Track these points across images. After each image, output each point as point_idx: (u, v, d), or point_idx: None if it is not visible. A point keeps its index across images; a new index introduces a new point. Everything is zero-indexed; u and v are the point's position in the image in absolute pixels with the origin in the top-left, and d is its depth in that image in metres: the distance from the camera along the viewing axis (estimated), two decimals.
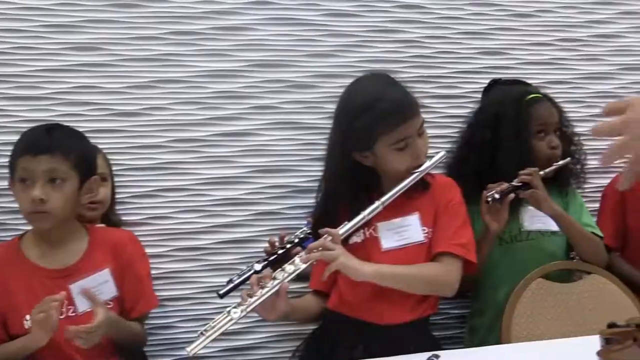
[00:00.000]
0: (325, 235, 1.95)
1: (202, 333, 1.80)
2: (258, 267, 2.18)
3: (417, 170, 2.07)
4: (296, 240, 2.29)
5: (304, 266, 1.91)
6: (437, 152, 2.16)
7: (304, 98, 2.76)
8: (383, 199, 2.02)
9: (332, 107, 2.59)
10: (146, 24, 2.67)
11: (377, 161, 2.09)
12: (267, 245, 2.35)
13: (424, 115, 2.74)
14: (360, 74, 2.42)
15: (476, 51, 2.99)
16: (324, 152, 2.28)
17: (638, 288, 2.55)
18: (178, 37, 2.70)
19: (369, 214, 2.01)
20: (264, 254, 2.36)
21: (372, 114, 2.00)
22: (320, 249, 1.92)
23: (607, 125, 1.31)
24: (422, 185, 2.15)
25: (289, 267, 1.90)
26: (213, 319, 1.87)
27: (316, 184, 2.35)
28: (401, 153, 2.05)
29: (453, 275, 2.07)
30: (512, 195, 2.24)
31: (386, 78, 2.18)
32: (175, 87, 2.68)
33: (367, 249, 2.05)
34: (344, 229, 1.98)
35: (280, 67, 2.77)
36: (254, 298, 1.84)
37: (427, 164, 2.09)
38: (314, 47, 2.81)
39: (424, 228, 2.11)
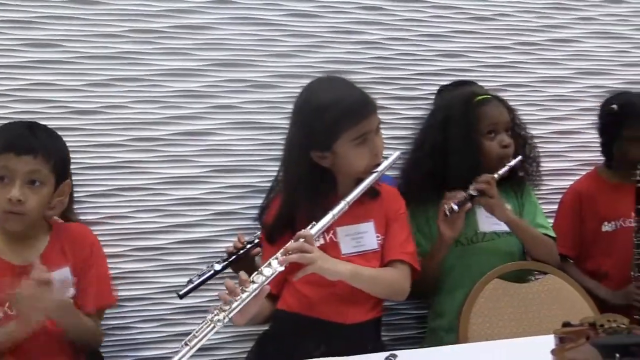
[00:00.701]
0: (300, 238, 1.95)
1: (186, 343, 1.76)
2: (218, 267, 2.18)
3: (375, 170, 2.09)
4: (256, 241, 2.28)
5: (281, 268, 1.90)
6: (392, 153, 2.18)
7: (264, 98, 2.75)
8: (348, 198, 2.04)
9: (291, 107, 2.60)
10: (106, 21, 2.64)
11: (336, 161, 2.10)
12: (229, 245, 2.33)
13: (384, 117, 2.79)
14: (320, 75, 2.43)
15: (436, 53, 3.01)
16: (280, 154, 2.28)
17: (592, 296, 2.60)
18: (138, 35, 2.67)
19: (337, 213, 2.01)
20: (223, 254, 2.35)
21: (336, 110, 2.03)
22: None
23: None
24: (373, 192, 2.19)
25: (266, 270, 1.88)
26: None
27: (271, 186, 2.35)
28: (361, 150, 2.07)
29: (406, 281, 2.15)
30: (469, 205, 2.26)
31: (343, 79, 2.23)
32: (135, 86, 2.66)
33: (327, 253, 2.05)
34: (315, 229, 1.98)
35: (241, 66, 2.76)
36: (236, 302, 1.81)
37: (385, 163, 2.13)
38: (275, 47, 2.81)
39: (378, 235, 2.16)
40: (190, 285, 2.22)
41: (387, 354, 1.66)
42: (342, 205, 2.02)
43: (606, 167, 2.83)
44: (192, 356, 2.55)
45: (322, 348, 1.96)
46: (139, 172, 2.65)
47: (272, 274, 1.88)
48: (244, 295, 1.82)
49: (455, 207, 2.20)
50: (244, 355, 2.55)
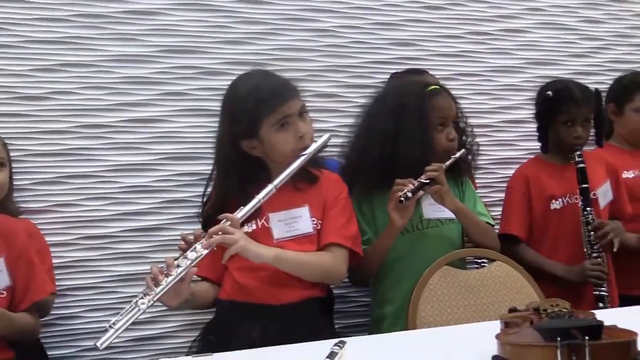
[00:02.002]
0: (224, 220, 1.97)
1: (110, 326, 1.75)
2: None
3: (304, 153, 2.11)
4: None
5: (205, 252, 1.91)
6: (322, 135, 2.19)
7: (215, 85, 2.73)
8: (275, 181, 2.06)
9: None
10: (53, 5, 2.60)
11: (264, 149, 2.15)
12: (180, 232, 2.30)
13: (336, 105, 2.79)
14: (272, 62, 2.43)
15: (388, 42, 3.02)
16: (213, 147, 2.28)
17: (545, 274, 2.67)
18: (86, 20, 2.64)
19: (264, 197, 2.03)
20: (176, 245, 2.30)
21: (254, 98, 2.09)
22: (220, 233, 1.94)
23: None
24: (311, 178, 2.22)
25: (190, 254, 1.90)
26: (120, 310, 1.81)
27: (209, 177, 2.34)
28: (284, 133, 2.11)
29: (342, 265, 2.17)
30: (421, 193, 2.27)
31: (264, 70, 2.30)
32: (83, 71, 2.62)
33: (259, 239, 2.09)
34: (241, 213, 2.01)
35: (191, 53, 2.74)
36: (160, 287, 1.83)
37: (314, 146, 2.14)
38: (226, 34, 2.80)
39: (313, 219, 2.18)
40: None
41: (335, 340, 1.65)
42: (269, 189, 2.04)
43: (543, 152, 2.88)
44: (142, 345, 2.61)
45: (257, 330, 1.98)
46: (87, 160, 2.62)
47: (196, 258, 1.89)
48: (168, 279, 1.83)
49: (410, 194, 2.21)
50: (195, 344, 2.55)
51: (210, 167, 2.65)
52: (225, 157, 2.19)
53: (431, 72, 2.89)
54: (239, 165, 2.16)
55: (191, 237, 1.98)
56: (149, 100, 2.68)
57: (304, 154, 2.12)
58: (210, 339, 2.16)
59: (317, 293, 2.18)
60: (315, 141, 2.16)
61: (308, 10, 2.90)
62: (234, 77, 2.69)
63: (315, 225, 2.17)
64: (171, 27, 2.72)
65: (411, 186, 2.23)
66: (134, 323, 2.10)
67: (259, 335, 2.02)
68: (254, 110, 2.09)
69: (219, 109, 2.69)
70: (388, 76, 2.90)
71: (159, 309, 2.59)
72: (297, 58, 2.85)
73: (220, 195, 2.19)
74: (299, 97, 2.18)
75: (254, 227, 2.14)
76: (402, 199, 2.20)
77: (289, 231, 2.15)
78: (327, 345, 1.60)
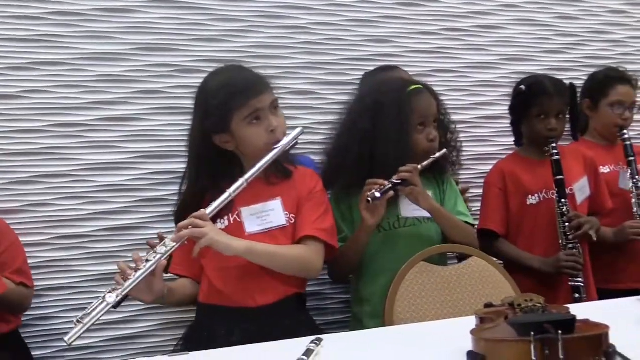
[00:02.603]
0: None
1: (78, 321, 1.73)
2: (109, 298, 2.01)
3: (276, 147, 2.11)
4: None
5: (175, 245, 1.90)
6: (295, 129, 2.18)
7: (190, 83, 2.70)
8: (246, 175, 2.05)
9: None
10: (25, 2, 2.58)
11: (237, 144, 2.15)
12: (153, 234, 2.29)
13: (312, 102, 2.79)
14: (248, 59, 2.42)
15: (364, 39, 3.02)
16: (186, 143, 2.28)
17: (523, 268, 2.70)
18: (59, 18, 2.61)
19: (234, 191, 2.02)
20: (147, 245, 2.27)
21: (225, 92, 2.09)
22: (190, 227, 1.94)
23: None
24: (284, 172, 2.22)
25: (160, 248, 1.89)
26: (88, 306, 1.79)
27: (183, 174, 2.33)
28: (255, 128, 2.11)
29: (317, 258, 2.17)
30: (391, 193, 2.27)
31: (237, 65, 2.29)
32: (56, 70, 2.60)
33: (231, 234, 2.08)
34: (210, 208, 2.00)
35: (167, 51, 2.73)
36: (129, 281, 1.81)
37: (286, 140, 2.13)
38: (201, 32, 2.78)
39: (286, 213, 2.17)
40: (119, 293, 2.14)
41: (312, 337, 1.65)
42: (239, 183, 2.03)
43: (517, 146, 2.90)
44: (120, 345, 2.59)
45: (237, 333, 1.96)
46: (61, 159, 2.59)
47: (166, 252, 1.88)
48: (137, 274, 1.82)
49: (378, 195, 2.21)
50: (170, 344, 2.54)
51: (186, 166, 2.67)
52: (198, 153, 2.18)
53: (406, 69, 2.89)
54: (212, 160, 2.16)
55: (156, 241, 1.97)
56: (123, 98, 2.67)
57: (276, 148, 2.12)
58: (193, 341, 2.14)
59: (294, 290, 2.18)
60: (288, 135, 2.15)
61: (283, 8, 2.90)
62: None
63: (288, 219, 2.17)
64: (146, 25, 2.71)
65: (381, 185, 2.23)
66: (111, 322, 2.11)
67: (239, 339, 1.98)
68: (224, 104, 2.09)
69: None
70: (363, 73, 2.90)
71: (136, 308, 2.60)
72: (272, 55, 2.84)
73: (193, 191, 2.18)
74: (271, 91, 2.18)
75: (227, 223, 2.14)
76: (370, 199, 2.21)
77: (261, 224, 2.14)
78: (304, 342, 1.60)
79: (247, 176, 2.05)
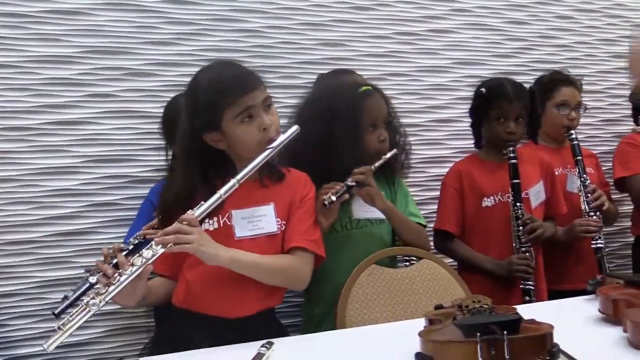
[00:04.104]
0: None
1: (59, 327, 1.66)
2: (93, 279, 2.06)
3: (270, 147, 2.05)
4: (130, 247, 2.19)
5: (161, 250, 1.82)
6: (290, 127, 2.12)
7: (141, 86, 2.71)
8: (238, 176, 1.96)
9: (171, 95, 2.56)
10: None
11: (228, 143, 2.07)
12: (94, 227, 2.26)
13: None
14: (200, 63, 2.39)
15: (316, 42, 3.04)
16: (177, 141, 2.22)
17: (477, 269, 2.74)
18: (7, 20, 2.58)
19: (225, 192, 1.94)
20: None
21: (214, 88, 2.01)
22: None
23: None
24: (277, 175, 2.16)
25: (146, 252, 1.81)
26: (70, 312, 1.73)
27: (155, 174, 2.31)
28: (247, 126, 2.03)
29: (306, 269, 2.10)
30: (346, 196, 2.28)
31: (227, 61, 2.20)
32: (4, 72, 2.57)
33: (220, 237, 2.00)
34: (199, 210, 1.91)
35: (117, 54, 2.70)
36: (113, 286, 1.74)
37: (280, 139, 2.06)
38: (153, 35, 2.77)
39: (278, 219, 2.11)
40: (66, 302, 2.12)
41: (263, 341, 1.65)
42: (231, 184, 1.95)
43: (476, 148, 2.94)
44: (71, 352, 2.56)
45: (207, 343, 1.91)
46: (10, 163, 2.56)
47: (152, 256, 1.81)
48: (122, 279, 1.75)
49: (334, 198, 2.22)
50: (122, 350, 2.52)
51: (139, 170, 2.67)
52: (188, 151, 2.09)
53: (359, 73, 2.90)
54: (203, 159, 2.07)
55: (110, 250, 1.93)
56: (73, 102, 2.64)
57: (270, 148, 2.04)
58: (163, 343, 2.09)
59: (272, 303, 2.12)
60: (283, 133, 2.08)
61: (235, 11, 2.90)
62: (161, 78, 2.73)
63: (279, 226, 2.10)
64: (96, 28, 2.68)
65: (336, 189, 2.24)
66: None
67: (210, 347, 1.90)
68: (214, 101, 2.00)
69: (146, 110, 2.70)
70: (316, 77, 2.92)
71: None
72: (227, 58, 2.83)
73: (183, 189, 2.07)
74: (263, 88, 2.09)
75: (216, 225, 2.06)
76: (326, 202, 2.21)
77: (252, 230, 2.06)
78: (255, 346, 1.60)
79: (238, 177, 1.96)
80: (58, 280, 2.57)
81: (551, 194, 2.94)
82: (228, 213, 2.06)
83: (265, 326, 2.05)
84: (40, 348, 2.48)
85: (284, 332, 2.19)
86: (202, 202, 1.93)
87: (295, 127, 2.11)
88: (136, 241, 2.21)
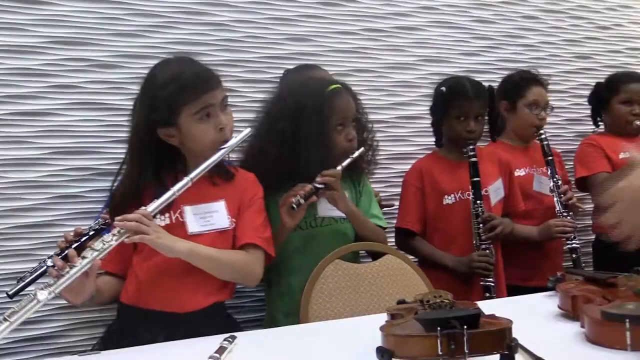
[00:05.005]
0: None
1: (5, 319, 1.63)
2: (50, 262, 2.06)
3: (224, 147, 2.08)
4: (91, 233, 2.19)
5: (115, 243, 1.82)
6: (243, 130, 2.17)
7: (107, 78, 2.68)
8: (192, 175, 1.99)
9: (137, 88, 2.53)
10: None
11: (182, 139, 2.09)
12: (69, 230, 2.24)
13: (231, 99, 2.76)
14: (166, 56, 2.38)
15: (284, 37, 3.04)
16: (128, 134, 2.22)
17: (439, 265, 2.78)
18: None
19: (179, 190, 1.96)
20: (59, 246, 2.24)
21: (175, 84, 2.02)
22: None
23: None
24: (227, 174, 2.18)
25: (98, 245, 1.80)
26: (17, 303, 1.72)
27: (120, 167, 2.28)
28: (204, 124, 2.06)
29: (259, 265, 2.14)
30: (314, 198, 2.29)
31: (187, 57, 2.21)
32: None
33: (173, 232, 2.02)
34: (152, 206, 1.93)
35: (82, 45, 2.67)
36: (64, 278, 1.72)
37: (234, 140, 2.10)
38: (119, 26, 2.74)
39: (229, 216, 2.13)
40: (21, 284, 2.10)
41: (226, 335, 1.65)
42: (184, 182, 1.97)
43: (437, 146, 2.96)
44: (30, 346, 2.53)
45: (161, 338, 1.91)
46: None
47: (104, 248, 1.80)
48: (72, 271, 1.74)
49: (302, 201, 2.24)
50: (84, 344, 2.50)
51: (103, 162, 2.64)
52: (140, 144, 2.09)
53: (326, 68, 2.92)
54: (155, 154, 2.08)
55: (71, 234, 1.91)
56: (37, 92, 2.60)
57: (224, 147, 2.07)
58: (114, 341, 2.06)
59: (223, 297, 2.15)
60: (235, 136, 2.11)
61: (203, 4, 2.88)
62: (127, 71, 2.71)
63: (231, 222, 2.13)
64: (61, 18, 2.65)
65: (305, 191, 2.25)
66: (21, 322, 2.04)
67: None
68: (174, 97, 2.02)
69: (111, 103, 2.68)
70: (283, 71, 2.91)
71: (46, 308, 2.53)
72: (191, 52, 2.79)
73: (133, 183, 2.09)
74: (222, 88, 2.13)
75: (168, 220, 2.07)
76: (295, 205, 2.23)
77: (204, 225, 2.09)
78: (217, 340, 1.60)
79: (192, 175, 1.98)
80: (21, 273, 2.51)
81: (509, 191, 2.98)
82: (180, 209, 2.08)
83: (217, 320, 2.08)
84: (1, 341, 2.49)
85: (236, 326, 2.22)
86: (155, 199, 1.94)
87: (248, 130, 2.17)
88: (97, 227, 2.20)
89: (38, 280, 2.12)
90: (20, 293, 2.09)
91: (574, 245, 3.02)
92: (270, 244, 2.19)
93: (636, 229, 1.41)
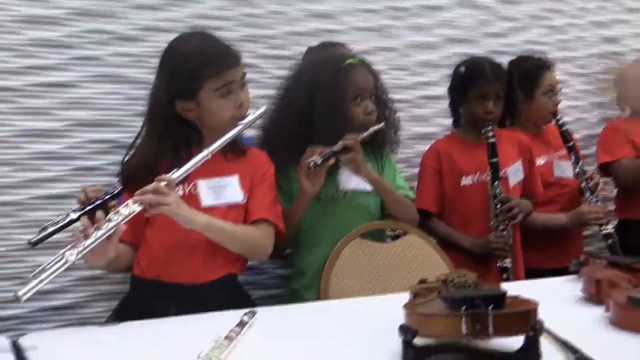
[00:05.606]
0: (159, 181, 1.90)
1: (34, 277, 1.64)
2: (74, 215, 2.08)
3: (241, 122, 2.09)
4: (115, 192, 2.20)
5: (138, 208, 1.83)
6: (260, 107, 2.17)
7: (129, 51, 2.67)
8: (211, 147, 2.00)
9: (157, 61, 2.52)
10: None
11: (200, 114, 2.09)
12: (82, 195, 2.25)
13: (252, 75, 2.76)
14: (189, 30, 2.37)
15: (307, 14, 3.01)
16: (145, 107, 2.21)
17: (456, 247, 2.74)
18: None
19: (200, 160, 1.98)
20: (80, 200, 2.25)
21: (199, 59, 2.03)
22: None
23: None
24: (239, 150, 2.19)
25: (123, 210, 1.81)
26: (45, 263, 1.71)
27: (134, 139, 2.28)
28: (224, 100, 2.07)
29: (270, 241, 2.15)
30: (332, 161, 2.28)
31: (208, 32, 2.21)
32: None
33: None
34: (176, 174, 1.94)
35: (105, 17, 2.66)
36: (90, 240, 1.72)
37: (251, 117, 2.11)
38: (143, 0, 2.73)
39: (242, 191, 2.14)
40: (43, 233, 2.11)
41: (246, 310, 1.65)
42: (205, 154, 1.99)
43: (454, 127, 2.94)
44: (52, 315, 2.55)
45: (173, 311, 1.92)
46: None
47: (129, 213, 1.81)
48: (98, 234, 1.75)
49: (319, 161, 2.22)
50: (103, 315, 2.51)
51: (124, 135, 2.63)
52: (159, 117, 2.10)
53: (349, 46, 2.89)
54: (172, 127, 2.09)
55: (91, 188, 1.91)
56: (59, 64, 2.60)
57: (242, 123, 2.09)
58: (128, 314, 2.05)
59: (235, 269, 2.15)
60: (253, 112, 2.12)
61: None
62: (149, 44, 2.70)
63: (244, 197, 2.14)
64: None
65: (322, 153, 2.23)
66: (41, 292, 2.05)
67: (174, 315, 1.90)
68: (196, 71, 2.03)
69: (132, 76, 2.67)
70: (305, 48, 2.88)
71: (68, 279, 2.55)
72: (214, 27, 2.77)
73: (151, 155, 2.09)
74: (242, 65, 2.14)
75: (181, 192, 2.07)
76: (311, 165, 2.21)
77: (217, 199, 2.10)
78: (238, 314, 1.59)
79: (212, 148, 2.00)
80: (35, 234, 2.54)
81: (529, 174, 2.95)
82: (193, 182, 2.09)
83: (229, 293, 2.10)
84: (18, 311, 2.50)
85: (249, 300, 2.22)
86: (175, 168, 1.95)
87: (265, 107, 2.18)
88: (114, 191, 2.20)
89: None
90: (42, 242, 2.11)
91: (608, 231, 2.99)
92: (280, 220, 2.20)
93: None
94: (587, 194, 3.01)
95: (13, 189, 2.54)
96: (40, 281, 1.64)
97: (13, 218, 2.54)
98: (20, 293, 1.62)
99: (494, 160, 2.74)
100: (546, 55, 3.25)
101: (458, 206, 2.84)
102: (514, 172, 2.88)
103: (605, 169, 3.28)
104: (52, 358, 1.42)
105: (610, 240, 2.98)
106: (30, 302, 2.50)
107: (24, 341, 1.50)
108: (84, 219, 1.79)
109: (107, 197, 2.17)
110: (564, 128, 3.08)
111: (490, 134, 2.75)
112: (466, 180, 2.82)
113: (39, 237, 2.10)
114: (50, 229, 2.10)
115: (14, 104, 2.54)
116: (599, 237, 3.08)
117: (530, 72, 3.14)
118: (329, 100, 2.34)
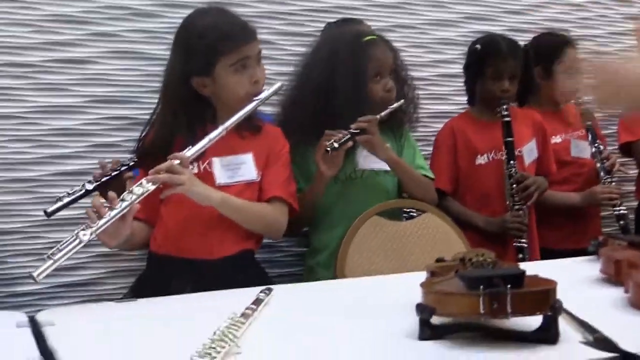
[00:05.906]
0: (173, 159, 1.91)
1: (49, 257, 1.67)
2: (90, 186, 2.08)
3: (256, 98, 2.08)
4: (131, 164, 2.20)
5: (152, 187, 1.84)
6: (274, 84, 2.16)
7: (147, 27, 2.66)
8: (227, 124, 2.01)
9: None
10: None
11: (216, 89, 2.09)
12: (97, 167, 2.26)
13: (270, 52, 2.74)
14: (206, 5, 2.36)
15: None
16: (161, 83, 2.21)
17: (470, 226, 2.73)
18: None
19: (215, 137, 1.98)
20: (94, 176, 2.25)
21: (215, 34, 2.04)
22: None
23: None
24: (255, 127, 2.19)
25: (137, 189, 1.82)
26: (60, 242, 1.71)
27: (151, 116, 2.28)
28: (239, 76, 2.08)
29: (284, 219, 2.16)
30: (350, 143, 2.27)
31: (224, 8, 2.22)
32: (4, 6, 2.50)
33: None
34: (190, 152, 1.95)
35: None
36: (104, 219, 1.74)
37: (266, 93, 2.12)
38: None
39: (256, 169, 2.15)
40: (59, 203, 2.11)
41: (262, 287, 1.64)
42: (219, 130, 1.99)
43: (470, 105, 2.92)
44: (69, 291, 2.56)
45: (189, 287, 1.92)
46: (10, 100, 2.51)
47: (142, 193, 1.82)
48: (112, 213, 1.75)
49: (336, 145, 2.21)
50: (120, 292, 2.52)
51: (141, 112, 2.62)
52: (174, 93, 2.11)
53: (367, 23, 2.86)
54: (187, 103, 2.10)
55: (99, 170, 1.95)
56: (76, 40, 2.59)
57: (256, 100, 2.09)
58: (144, 290, 2.07)
59: (251, 245, 2.16)
60: (268, 88, 2.12)
61: None
62: (166, 20, 2.67)
63: (258, 174, 2.15)
64: None
65: (340, 136, 2.23)
66: (59, 268, 2.07)
67: (191, 292, 1.91)
68: (212, 46, 2.04)
69: (150, 52, 2.66)
70: (323, 25, 2.86)
71: (85, 255, 2.56)
72: (232, 3, 2.77)
73: (166, 132, 2.11)
74: (258, 41, 2.14)
75: (196, 170, 2.07)
76: (329, 149, 2.20)
77: (232, 177, 2.11)
78: (253, 292, 1.59)
79: (227, 125, 2.01)
80: (57, 220, 2.52)
81: (542, 153, 2.92)
82: (208, 160, 2.10)
83: (245, 268, 2.12)
84: (36, 287, 2.52)
85: (265, 276, 2.23)
86: (190, 146, 1.96)
87: (280, 84, 2.19)
88: (129, 162, 2.20)
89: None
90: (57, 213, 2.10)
91: (621, 212, 2.95)
92: (294, 198, 2.20)
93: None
94: (602, 174, 2.98)
95: (30, 165, 2.54)
96: (55, 261, 1.66)
97: (30, 194, 2.55)
98: (35, 273, 1.65)
99: (509, 139, 2.72)
100: (568, 33, 3.20)
101: (473, 185, 2.83)
102: (529, 151, 2.87)
103: (626, 149, 3.24)
104: (68, 334, 1.42)
105: (622, 222, 2.95)
106: (48, 279, 2.45)
107: (41, 317, 1.51)
108: (96, 199, 1.80)
109: (124, 168, 2.17)
110: (583, 108, 3.04)
111: (506, 112, 2.72)
112: (481, 159, 2.81)
113: (55, 207, 2.10)
114: (66, 200, 2.10)
115: (32, 79, 2.54)
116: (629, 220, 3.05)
117: (550, 48, 3.10)
118: (348, 76, 2.33)
